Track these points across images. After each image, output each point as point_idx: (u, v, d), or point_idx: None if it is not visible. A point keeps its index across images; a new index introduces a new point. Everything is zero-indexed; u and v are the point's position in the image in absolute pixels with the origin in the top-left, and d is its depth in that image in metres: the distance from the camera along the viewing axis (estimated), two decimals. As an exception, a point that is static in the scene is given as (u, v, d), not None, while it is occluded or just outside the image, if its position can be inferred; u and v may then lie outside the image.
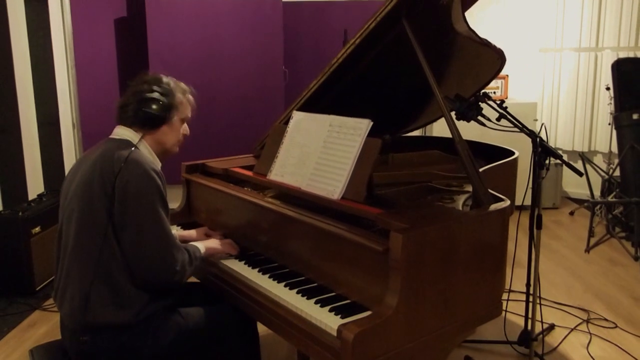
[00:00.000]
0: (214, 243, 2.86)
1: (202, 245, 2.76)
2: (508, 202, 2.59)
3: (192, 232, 3.13)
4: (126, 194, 2.37)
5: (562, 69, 7.73)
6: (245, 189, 3.16)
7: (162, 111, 2.59)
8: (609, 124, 6.49)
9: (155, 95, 2.58)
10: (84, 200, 2.42)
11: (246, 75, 6.76)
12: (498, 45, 3.36)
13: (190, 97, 2.77)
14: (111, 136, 2.61)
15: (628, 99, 5.74)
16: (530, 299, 3.51)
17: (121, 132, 2.59)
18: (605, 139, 7.20)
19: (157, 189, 2.43)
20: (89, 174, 2.44)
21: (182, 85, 2.74)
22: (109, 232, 2.37)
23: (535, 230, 3.39)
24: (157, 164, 2.59)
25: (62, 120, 6.03)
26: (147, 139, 2.61)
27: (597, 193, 6.41)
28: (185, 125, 2.76)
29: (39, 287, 4.87)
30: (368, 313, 2.17)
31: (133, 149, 2.49)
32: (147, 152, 2.58)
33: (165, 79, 2.67)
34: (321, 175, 2.68)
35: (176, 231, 3.12)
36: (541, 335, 3.84)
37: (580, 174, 3.38)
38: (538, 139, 3.19)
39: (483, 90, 3.54)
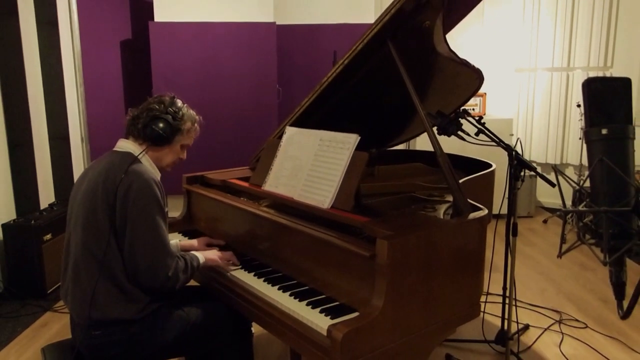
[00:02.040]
0: (213, 255, 2.79)
1: (202, 256, 2.72)
2: (486, 211, 2.60)
3: (193, 242, 3.10)
4: (126, 202, 2.38)
5: (536, 88, 7.76)
6: (242, 199, 3.16)
7: (169, 133, 2.60)
8: (580, 139, 6.51)
9: (168, 117, 2.59)
10: (88, 209, 2.42)
11: (243, 93, 6.78)
12: (477, 66, 3.38)
13: (197, 127, 2.78)
14: (115, 149, 2.62)
15: (597, 115, 5.73)
16: (507, 301, 3.52)
17: (124, 145, 2.60)
18: (576, 152, 7.23)
19: (154, 198, 2.43)
20: (94, 185, 2.45)
21: (194, 114, 2.75)
22: (111, 238, 2.38)
23: (511, 237, 3.39)
24: (157, 175, 2.59)
25: (71, 135, 6.01)
26: (148, 153, 2.61)
27: (568, 203, 6.42)
28: (184, 152, 2.77)
29: (50, 290, 4.85)
30: (356, 314, 2.17)
31: (134, 160, 2.50)
32: (148, 164, 2.59)
33: (180, 104, 2.68)
34: (312, 186, 2.69)
35: (179, 240, 3.09)
36: (517, 335, 3.84)
37: (552, 184, 3.39)
38: (514, 153, 3.20)
39: (463, 107, 3.54)
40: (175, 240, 3.06)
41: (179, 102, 2.69)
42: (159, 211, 2.44)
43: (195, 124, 2.75)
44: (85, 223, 2.43)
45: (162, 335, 2.50)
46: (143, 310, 2.44)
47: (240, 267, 2.80)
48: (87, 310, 2.38)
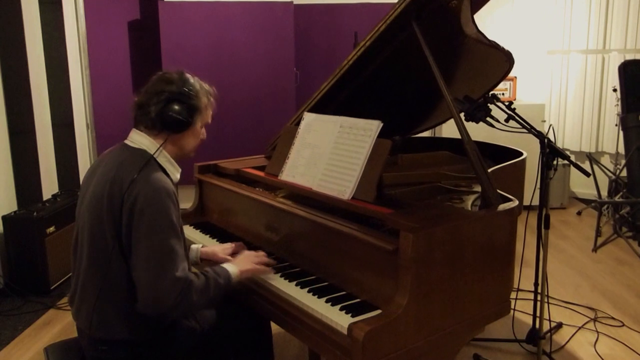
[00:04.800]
0: (248, 264, 2.57)
1: (234, 268, 2.50)
2: (516, 202, 2.59)
3: (215, 249, 2.87)
4: (131, 216, 2.20)
5: (569, 71, 7.70)
6: (257, 189, 3.16)
7: (188, 115, 2.39)
8: (616, 125, 6.47)
9: (182, 97, 2.38)
10: (94, 220, 2.29)
11: (258, 77, 6.77)
12: (506, 48, 3.36)
13: (213, 100, 2.59)
14: (127, 142, 2.44)
15: (635, 101, 5.72)
16: (539, 297, 3.51)
17: (137, 139, 2.40)
18: (612, 140, 7.18)
19: (163, 213, 2.23)
20: (100, 191, 2.29)
21: (207, 87, 2.55)
22: (116, 254, 2.25)
23: (543, 230, 3.39)
24: (175, 175, 2.46)
25: (76, 122, 6.04)
26: (167, 147, 2.42)
27: (604, 193, 6.39)
28: (203, 129, 2.58)
29: (53, 286, 4.89)
30: (378, 312, 2.17)
31: (146, 163, 2.31)
32: (165, 160, 2.41)
33: (191, 80, 2.46)
34: (332, 176, 2.69)
35: (201, 246, 2.90)
36: (549, 334, 3.84)
37: (587, 174, 3.38)
38: (546, 140, 3.19)
39: (492, 92, 3.53)
40: (197, 245, 2.90)
41: (190, 78, 2.46)
42: (167, 228, 2.23)
43: (211, 98, 2.56)
44: (90, 236, 2.30)
45: (173, 349, 2.45)
46: (151, 331, 2.36)
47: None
48: (91, 328, 2.31)
